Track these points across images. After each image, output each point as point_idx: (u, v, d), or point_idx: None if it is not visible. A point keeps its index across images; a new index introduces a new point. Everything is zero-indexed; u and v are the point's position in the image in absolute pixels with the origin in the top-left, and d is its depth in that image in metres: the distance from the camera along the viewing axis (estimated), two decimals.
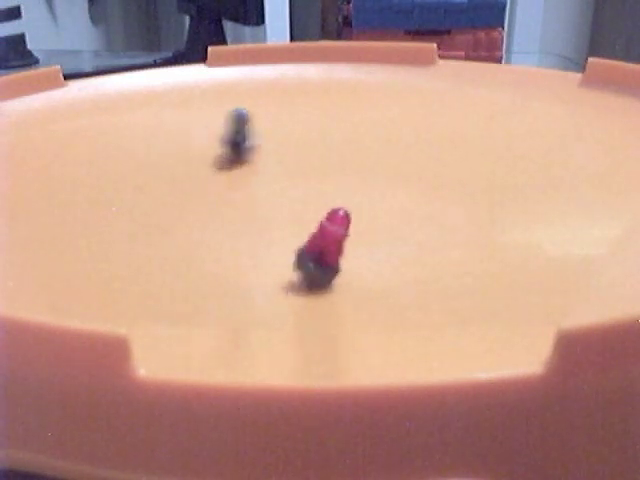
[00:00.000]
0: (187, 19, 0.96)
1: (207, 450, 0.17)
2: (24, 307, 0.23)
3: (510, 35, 0.96)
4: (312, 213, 0.30)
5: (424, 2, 0.72)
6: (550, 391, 0.17)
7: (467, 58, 0.71)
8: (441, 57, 0.46)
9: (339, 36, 0.81)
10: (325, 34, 0.97)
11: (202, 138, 0.39)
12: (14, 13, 0.77)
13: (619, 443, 0.18)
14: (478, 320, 0.22)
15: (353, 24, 0.73)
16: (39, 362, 0.17)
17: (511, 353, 0.20)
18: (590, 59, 0.42)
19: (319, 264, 0.24)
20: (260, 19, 0.90)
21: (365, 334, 0.22)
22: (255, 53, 0.47)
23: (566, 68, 0.78)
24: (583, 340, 0.17)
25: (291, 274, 0.25)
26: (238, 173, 0.34)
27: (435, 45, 0.46)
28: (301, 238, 0.25)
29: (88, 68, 0.85)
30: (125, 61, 0.81)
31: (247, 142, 0.35)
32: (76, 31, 1.00)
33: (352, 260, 0.26)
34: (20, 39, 0.79)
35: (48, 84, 0.42)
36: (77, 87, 0.43)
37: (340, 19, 0.80)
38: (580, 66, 0.46)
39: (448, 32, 0.72)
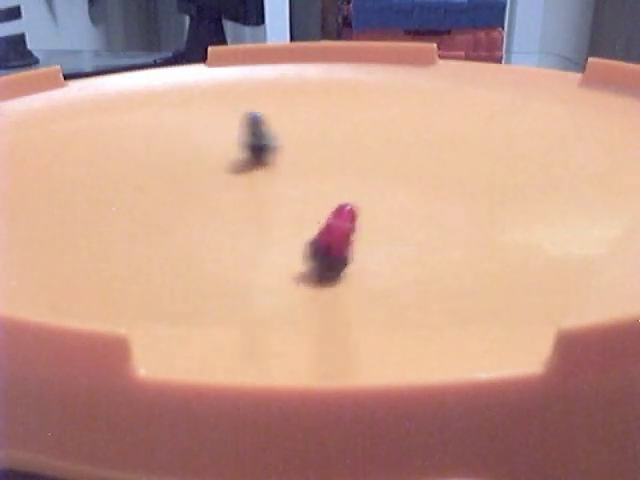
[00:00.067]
0: (187, 19, 0.96)
1: (207, 450, 0.17)
2: (24, 307, 0.23)
3: (510, 35, 0.96)
4: (312, 213, 0.30)
5: (424, 2, 0.72)
6: (550, 391, 0.17)
7: (467, 58, 0.71)
8: (441, 57, 0.46)
9: (339, 36, 0.81)
10: (325, 34, 0.97)
11: (202, 138, 0.39)
12: (14, 13, 0.77)
13: (619, 443, 0.18)
14: (478, 320, 0.22)
15: (353, 24, 0.73)
16: (39, 362, 0.17)
17: (511, 353, 0.20)
18: (590, 59, 0.42)
19: (327, 255, 0.24)
20: (260, 19, 0.90)
21: (365, 334, 0.22)
22: (255, 53, 0.47)
23: (566, 68, 0.78)
24: (583, 340, 0.17)
25: (291, 274, 0.25)
26: (238, 173, 0.34)
27: (435, 45, 0.46)
28: (301, 238, 0.25)
29: (88, 68, 0.85)
30: (125, 61, 0.81)
31: (268, 144, 0.34)
32: (76, 31, 1.00)
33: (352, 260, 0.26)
34: (20, 39, 0.79)
35: (48, 84, 0.42)
36: (77, 87, 0.43)
37: (340, 19, 0.80)
38: (580, 66, 0.46)
39: (448, 32, 0.72)
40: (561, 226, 0.28)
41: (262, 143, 0.34)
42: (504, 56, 0.76)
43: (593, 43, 1.16)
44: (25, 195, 0.32)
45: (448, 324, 0.22)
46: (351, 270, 0.25)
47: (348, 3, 0.76)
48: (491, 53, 0.73)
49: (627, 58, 0.41)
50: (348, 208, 0.24)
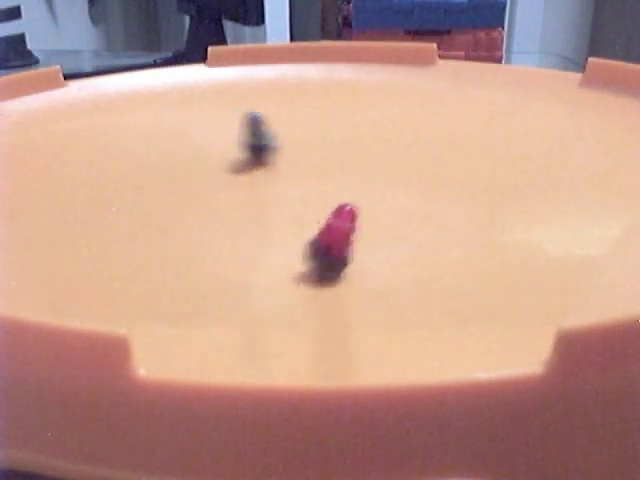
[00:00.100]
0: (187, 19, 0.96)
1: (207, 450, 0.17)
2: (24, 307, 0.23)
3: (510, 35, 0.96)
4: (312, 213, 0.30)
5: (424, 2, 0.72)
6: (550, 391, 0.17)
7: (467, 58, 0.71)
8: (441, 57, 0.46)
9: (339, 36, 0.81)
10: (325, 34, 0.97)
11: (202, 138, 0.39)
12: (14, 13, 0.77)
13: (619, 443, 0.18)
14: (478, 320, 0.22)
15: (353, 24, 0.73)
16: (39, 362, 0.17)
17: (511, 353, 0.20)
18: (590, 59, 0.42)
19: (327, 255, 0.24)
20: (260, 19, 0.90)
21: (365, 334, 0.22)
22: (255, 53, 0.47)
23: (566, 68, 0.78)
24: (583, 340, 0.17)
25: (291, 274, 0.25)
26: (238, 173, 0.34)
27: (435, 45, 0.46)
28: (301, 238, 0.25)
29: (88, 68, 0.85)
30: (125, 61, 0.81)
31: (268, 144, 0.34)
32: (76, 31, 1.00)
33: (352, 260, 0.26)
34: (20, 39, 0.79)
35: (48, 84, 0.42)
36: (77, 87, 0.43)
37: (340, 19, 0.80)
38: (580, 66, 0.46)
39: (448, 32, 0.72)
40: (561, 226, 0.28)
41: (262, 143, 0.34)
42: (504, 56, 0.76)
43: (593, 43, 1.16)
44: (25, 195, 0.32)
45: (448, 324, 0.22)
46: (351, 270, 0.25)
47: (348, 3, 0.76)
48: (491, 53, 0.73)
49: (627, 58, 0.41)
50: (348, 208, 0.24)
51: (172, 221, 0.29)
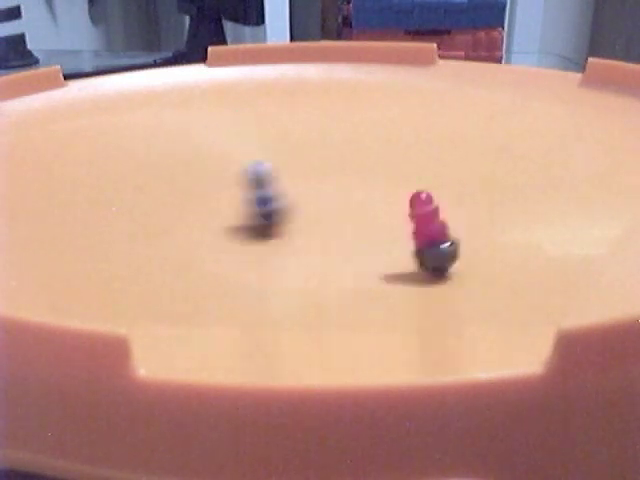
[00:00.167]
0: (187, 19, 0.96)
1: (207, 450, 0.17)
2: (24, 307, 0.23)
3: (510, 35, 0.96)
4: (312, 212, 0.30)
5: (424, 2, 0.72)
6: (550, 391, 0.17)
7: (467, 58, 0.71)
8: (441, 57, 0.46)
9: (339, 36, 0.81)
10: (325, 34, 0.97)
11: (202, 138, 0.39)
12: (14, 13, 0.77)
13: (619, 443, 0.18)
14: (478, 320, 0.22)
15: (353, 24, 0.73)
16: (39, 362, 0.17)
17: (511, 353, 0.20)
18: (590, 59, 0.42)
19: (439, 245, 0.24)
20: (260, 19, 0.90)
21: (364, 334, 0.22)
22: (255, 53, 0.47)
23: (566, 68, 0.78)
24: (583, 340, 0.17)
25: (290, 273, 0.25)
26: (237, 173, 0.34)
27: (435, 45, 0.46)
28: (301, 237, 0.25)
29: (88, 68, 0.85)
30: (125, 61, 0.81)
31: (274, 206, 0.28)
32: (76, 31, 1.00)
33: (352, 260, 0.26)
34: (20, 39, 0.79)
35: (48, 84, 0.42)
36: (77, 87, 0.43)
37: (340, 19, 0.80)
38: (580, 66, 0.46)
39: (448, 32, 0.72)
40: (561, 226, 0.28)
41: (271, 208, 0.28)
42: (504, 56, 0.76)
43: (593, 43, 1.16)
44: (25, 195, 0.32)
45: (447, 324, 0.22)
46: (351, 271, 0.25)
47: (348, 3, 0.76)
48: (491, 53, 0.73)
49: (627, 58, 0.41)
50: (424, 195, 0.25)
51: (172, 221, 0.29)
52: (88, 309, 0.23)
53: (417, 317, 0.23)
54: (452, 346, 0.21)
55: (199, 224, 0.29)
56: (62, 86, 0.43)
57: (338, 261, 0.26)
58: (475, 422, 0.17)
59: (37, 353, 0.17)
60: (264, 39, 0.92)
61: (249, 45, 0.53)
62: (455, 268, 0.25)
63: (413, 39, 0.71)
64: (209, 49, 0.47)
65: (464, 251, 0.26)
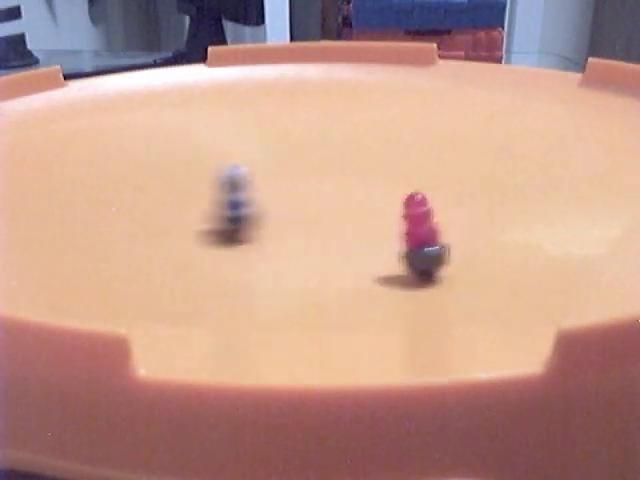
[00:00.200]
0: (187, 19, 0.96)
1: (207, 450, 0.17)
2: (24, 307, 0.23)
3: (510, 35, 0.96)
4: (312, 212, 0.30)
5: (424, 2, 0.72)
6: (550, 391, 0.17)
7: (467, 58, 0.71)
8: (441, 57, 0.46)
9: (339, 36, 0.81)
10: (325, 34, 0.97)
11: (202, 138, 0.39)
12: (14, 13, 0.77)
13: (619, 443, 0.18)
14: (478, 320, 0.22)
15: (353, 24, 0.73)
16: (39, 362, 0.17)
17: (511, 353, 0.20)
18: (590, 59, 0.42)
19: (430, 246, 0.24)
20: (260, 19, 0.90)
21: (364, 334, 0.22)
22: (255, 53, 0.47)
23: (566, 68, 0.78)
24: (583, 340, 0.17)
25: (290, 273, 0.25)
26: None
27: (435, 45, 0.46)
28: (300, 237, 0.25)
29: (88, 68, 0.85)
30: (125, 61, 0.81)
31: (243, 211, 0.28)
32: (76, 31, 1.00)
33: (352, 260, 0.26)
34: (20, 39, 0.79)
35: (48, 84, 0.42)
36: (77, 87, 0.43)
37: (340, 19, 0.80)
38: (580, 66, 0.46)
39: (448, 32, 0.72)
40: (561, 226, 0.28)
41: (240, 213, 0.28)
42: (504, 56, 0.76)
43: (593, 43, 1.16)
44: (25, 195, 0.32)
45: (447, 324, 0.22)
46: (351, 271, 0.25)
47: (348, 3, 0.76)
48: (491, 53, 0.73)
49: (627, 58, 0.41)
50: (419, 196, 0.25)
51: (172, 221, 0.29)
52: (88, 309, 0.23)
53: (417, 317, 0.23)
54: (452, 346, 0.21)
55: (199, 224, 0.29)
56: (62, 86, 0.43)
57: (338, 261, 0.26)
58: (475, 422, 0.17)
59: (37, 353, 0.17)
60: (264, 39, 0.92)
61: (249, 45, 0.53)
62: (455, 268, 0.25)
63: (413, 39, 0.71)
64: (209, 49, 0.47)
65: (464, 251, 0.26)
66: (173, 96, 0.43)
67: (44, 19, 0.93)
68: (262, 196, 0.33)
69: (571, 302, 0.23)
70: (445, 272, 0.25)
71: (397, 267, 0.26)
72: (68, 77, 0.43)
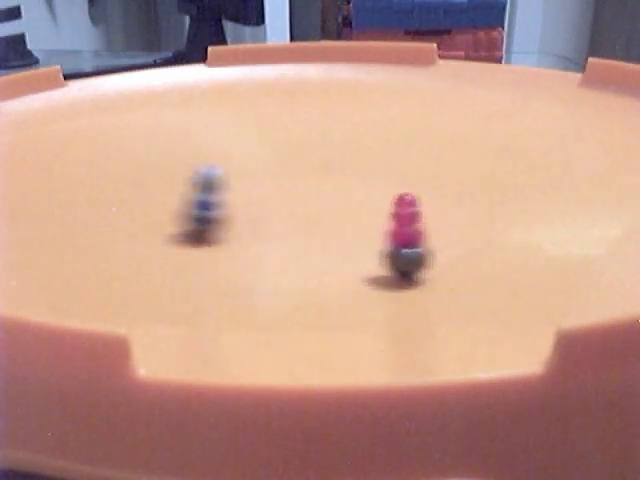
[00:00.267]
0: (187, 19, 0.96)
1: (207, 450, 0.17)
2: (24, 307, 0.23)
3: (510, 35, 0.96)
4: (311, 212, 0.30)
5: (424, 2, 0.72)
6: (550, 391, 0.17)
7: (467, 58, 0.71)
8: (441, 57, 0.46)
9: (339, 36, 0.81)
10: (325, 34, 0.97)
11: (202, 138, 0.39)
12: (14, 13, 0.77)
13: (619, 443, 0.18)
14: (478, 320, 0.22)
15: (353, 24, 0.73)
16: (39, 362, 0.17)
17: (511, 353, 0.20)
18: (590, 59, 0.42)
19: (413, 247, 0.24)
20: (260, 19, 0.90)
21: (364, 334, 0.22)
22: (255, 53, 0.47)
23: (566, 68, 0.78)
24: (583, 340, 0.17)
25: (291, 273, 0.25)
26: (237, 173, 0.34)
27: (435, 45, 0.46)
28: (300, 237, 0.25)
29: (88, 68, 0.85)
30: (125, 61, 0.81)
31: (212, 213, 0.27)
32: (76, 31, 1.00)
33: (352, 259, 0.26)
34: (20, 39, 0.79)
35: (48, 84, 0.42)
36: (77, 87, 0.43)
37: (340, 19, 0.80)
38: (580, 66, 0.46)
39: (448, 32, 0.72)
40: (561, 226, 0.28)
41: (208, 214, 0.27)
42: (504, 56, 0.76)
43: (593, 43, 1.15)
44: (25, 195, 0.32)
45: (448, 324, 0.22)
46: (351, 271, 0.25)
47: (348, 3, 0.76)
48: (491, 53, 0.73)
49: (627, 58, 0.41)
50: (409, 197, 0.24)
51: (172, 221, 0.29)
52: (88, 309, 0.23)
53: (417, 317, 0.23)
54: (452, 346, 0.21)
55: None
56: (62, 86, 0.43)
57: (338, 261, 0.26)
58: (475, 422, 0.17)
59: (37, 353, 0.17)
60: (264, 39, 0.92)
61: (249, 45, 0.53)
62: (455, 268, 0.25)
63: (413, 39, 0.71)
64: (209, 49, 0.47)
65: (464, 251, 0.26)
66: (173, 96, 0.43)
67: (44, 19, 0.93)
68: (261, 195, 0.33)
69: (571, 302, 0.23)
70: (445, 272, 0.25)
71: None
72: (68, 77, 0.43)
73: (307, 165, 0.35)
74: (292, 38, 0.94)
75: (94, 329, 0.17)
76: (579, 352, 0.17)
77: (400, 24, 0.72)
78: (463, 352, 0.20)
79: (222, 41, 0.92)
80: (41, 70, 0.43)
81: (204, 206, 0.27)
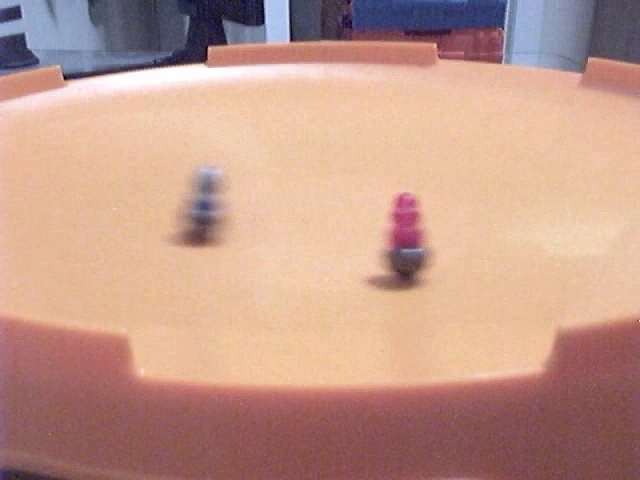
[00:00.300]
0: (187, 19, 0.97)
1: (207, 450, 0.17)
2: (24, 307, 0.23)
3: (510, 35, 0.96)
4: (311, 212, 0.30)
5: (424, 2, 0.72)
6: (550, 391, 0.17)
7: (467, 58, 0.71)
8: (441, 57, 0.46)
9: (339, 36, 0.81)
10: (325, 34, 0.97)
11: (202, 138, 0.39)
12: (14, 13, 0.77)
13: (619, 443, 0.18)
14: (478, 320, 0.22)
15: (353, 24, 0.73)
16: (39, 362, 0.17)
17: (511, 353, 0.20)
18: (590, 59, 0.42)
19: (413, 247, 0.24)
20: (260, 19, 0.90)
21: (364, 335, 0.22)
22: (255, 53, 0.47)
23: (566, 68, 0.78)
24: (583, 340, 0.17)
25: (291, 274, 0.25)
26: (237, 174, 0.34)
27: (435, 45, 0.46)
28: (300, 237, 0.25)
29: (88, 68, 0.85)
30: (125, 61, 0.81)
31: (211, 213, 0.27)
32: (76, 31, 1.00)
33: (352, 260, 0.26)
34: (20, 39, 0.79)
35: (48, 84, 0.42)
36: (77, 87, 0.43)
37: (340, 19, 0.80)
38: (580, 66, 0.46)
39: (448, 32, 0.72)
40: (561, 226, 0.28)
41: (207, 214, 0.27)
42: (504, 56, 0.76)
43: (593, 43, 1.16)
44: (25, 195, 0.32)
45: (448, 324, 0.22)
46: (351, 271, 0.25)
47: (348, 3, 0.76)
48: (491, 53, 0.73)
49: (627, 58, 0.41)
50: (409, 197, 0.24)
51: (172, 221, 0.29)
52: (88, 309, 0.23)
53: (417, 317, 0.23)
54: (452, 345, 0.21)
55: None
56: (62, 86, 0.43)
57: (338, 261, 0.26)
58: (475, 422, 0.17)
59: (37, 353, 0.17)
60: (264, 39, 0.92)
61: (249, 45, 0.53)
62: (455, 268, 0.25)
63: (413, 39, 0.72)
64: (209, 49, 0.47)
65: (464, 251, 0.26)
66: (173, 96, 0.43)
67: (44, 19, 0.93)
68: (261, 195, 0.33)
69: (571, 302, 0.23)
70: (445, 272, 0.25)
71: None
72: (68, 77, 0.43)
73: (307, 165, 0.35)
74: (292, 38, 0.94)
75: (94, 329, 0.17)
76: (579, 352, 0.17)
77: (400, 24, 0.72)
78: (463, 352, 0.20)
79: (222, 41, 0.92)
80: (41, 70, 0.43)
81: (204, 206, 0.27)
